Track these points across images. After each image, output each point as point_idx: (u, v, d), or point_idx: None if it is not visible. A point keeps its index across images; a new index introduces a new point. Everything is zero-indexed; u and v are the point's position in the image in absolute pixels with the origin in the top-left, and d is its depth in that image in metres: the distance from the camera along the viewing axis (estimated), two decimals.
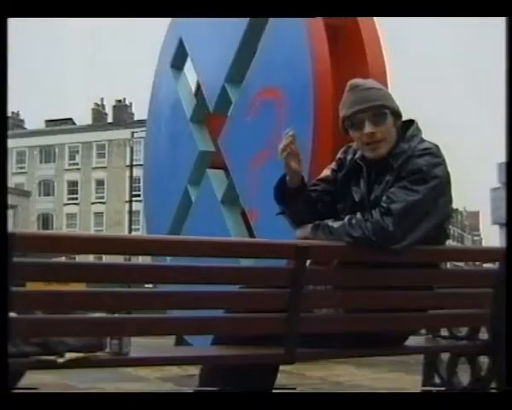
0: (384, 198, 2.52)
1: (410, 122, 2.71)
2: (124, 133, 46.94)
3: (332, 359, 4.42)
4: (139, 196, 31.15)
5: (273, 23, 7.67)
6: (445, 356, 3.16)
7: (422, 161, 2.54)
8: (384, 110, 2.62)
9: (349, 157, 2.77)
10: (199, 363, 2.70)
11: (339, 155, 2.84)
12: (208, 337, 2.70)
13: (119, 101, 54.09)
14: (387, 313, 2.60)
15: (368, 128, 2.59)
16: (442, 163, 2.59)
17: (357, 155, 2.73)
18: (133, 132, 37.37)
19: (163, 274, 2.35)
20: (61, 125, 54.77)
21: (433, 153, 2.58)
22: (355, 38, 7.43)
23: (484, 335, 2.89)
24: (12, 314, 2.01)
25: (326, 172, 2.83)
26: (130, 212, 36.33)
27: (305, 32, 7.30)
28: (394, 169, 2.58)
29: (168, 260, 2.98)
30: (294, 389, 3.00)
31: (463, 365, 3.07)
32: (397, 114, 2.66)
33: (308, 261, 2.42)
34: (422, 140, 2.65)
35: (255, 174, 7.35)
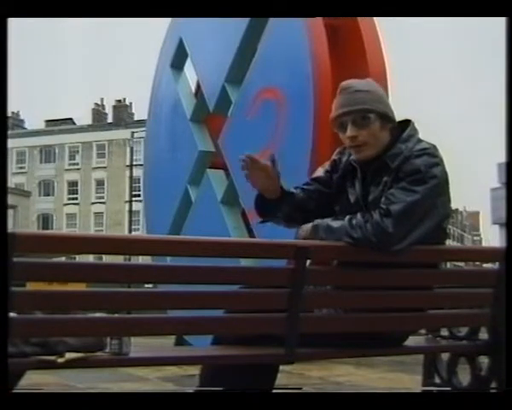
0: (383, 199, 2.52)
1: (406, 122, 2.71)
2: (124, 133, 46.97)
3: (332, 359, 4.43)
4: (139, 196, 31.17)
5: (273, 23, 7.67)
6: (445, 356, 3.16)
7: (420, 161, 2.54)
8: (367, 114, 2.61)
9: (344, 158, 2.77)
10: (199, 363, 2.70)
11: (333, 156, 2.84)
12: (208, 337, 2.71)
13: (119, 101, 54.11)
14: (387, 313, 2.60)
15: (350, 131, 2.61)
16: (440, 163, 2.59)
17: (352, 156, 2.73)
18: (133, 132, 37.38)
19: (163, 274, 2.35)
20: (61, 125, 54.78)
21: (431, 153, 2.58)
22: (355, 38, 7.44)
23: (484, 335, 2.89)
24: (12, 314, 2.02)
25: (319, 173, 2.83)
26: (130, 212, 36.36)
27: (304, 32, 7.30)
28: (392, 170, 2.57)
29: (168, 260, 2.97)
30: (295, 389, 3.00)
31: (463, 365, 3.07)
32: (386, 117, 2.65)
33: (308, 261, 2.42)
34: (419, 140, 2.64)
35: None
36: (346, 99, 2.63)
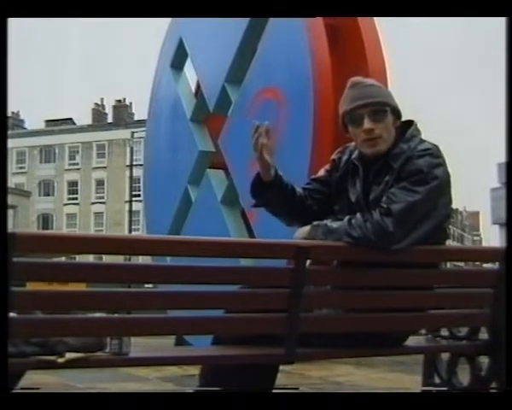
0: (384, 199, 2.52)
1: (409, 123, 2.71)
2: (124, 133, 46.96)
3: (332, 359, 4.42)
4: (139, 196, 31.15)
5: (273, 23, 7.67)
6: (445, 356, 3.16)
7: (422, 161, 2.54)
8: (384, 107, 2.62)
9: (345, 157, 2.77)
10: (199, 363, 2.70)
11: (333, 155, 2.84)
12: (208, 337, 2.70)
13: (119, 101, 54.10)
14: (387, 313, 2.60)
15: (367, 124, 2.59)
16: (442, 164, 2.59)
17: (353, 155, 2.73)
18: (133, 132, 37.37)
19: (163, 274, 2.35)
20: (61, 125, 54.77)
21: (433, 153, 2.58)
22: (355, 37, 7.43)
23: (484, 335, 2.89)
24: (12, 314, 2.01)
25: (320, 173, 2.84)
26: (130, 212, 36.35)
27: (304, 32, 7.30)
28: (394, 169, 2.57)
29: (168, 260, 2.97)
30: (296, 389, 3.00)
31: (463, 365, 3.07)
32: (397, 113, 2.66)
33: (308, 261, 2.42)
34: (422, 141, 2.64)
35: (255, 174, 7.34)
36: (360, 92, 2.63)
